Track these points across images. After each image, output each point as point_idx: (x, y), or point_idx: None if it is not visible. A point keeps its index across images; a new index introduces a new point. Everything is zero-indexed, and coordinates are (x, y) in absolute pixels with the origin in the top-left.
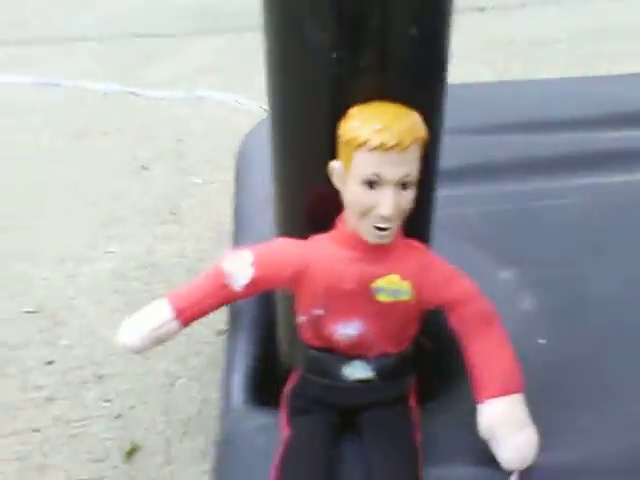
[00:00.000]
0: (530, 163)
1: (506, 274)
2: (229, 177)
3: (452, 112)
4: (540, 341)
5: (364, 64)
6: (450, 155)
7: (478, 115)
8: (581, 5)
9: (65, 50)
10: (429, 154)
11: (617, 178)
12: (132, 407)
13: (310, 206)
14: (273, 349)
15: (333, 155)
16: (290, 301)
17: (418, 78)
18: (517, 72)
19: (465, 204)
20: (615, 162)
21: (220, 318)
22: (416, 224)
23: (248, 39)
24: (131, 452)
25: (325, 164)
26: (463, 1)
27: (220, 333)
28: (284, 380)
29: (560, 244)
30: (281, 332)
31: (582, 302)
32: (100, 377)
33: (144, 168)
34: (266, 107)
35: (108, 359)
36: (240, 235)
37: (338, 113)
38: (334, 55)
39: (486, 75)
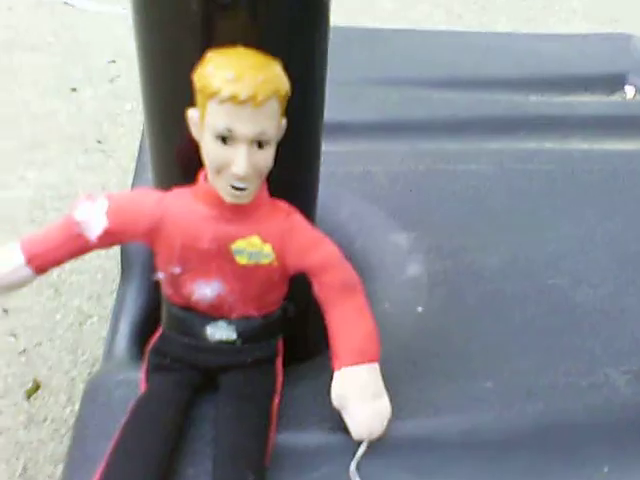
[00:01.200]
0: (446, 122)
1: (399, 237)
2: None
3: (367, 60)
4: (419, 309)
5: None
6: (362, 108)
7: (397, 66)
8: None
9: None
10: (309, 107)
11: (531, 145)
12: (38, 344)
13: (180, 155)
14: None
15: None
16: None
17: (293, 21)
18: (470, 17)
19: (371, 161)
20: (532, 128)
21: None
22: (299, 182)
23: None
24: (33, 390)
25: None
26: None
27: None
28: None
29: (459, 211)
30: None
31: (467, 272)
32: (6, 311)
33: (73, 90)
34: None
35: (17, 292)
36: (139, 175)
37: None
38: None
39: (439, 18)
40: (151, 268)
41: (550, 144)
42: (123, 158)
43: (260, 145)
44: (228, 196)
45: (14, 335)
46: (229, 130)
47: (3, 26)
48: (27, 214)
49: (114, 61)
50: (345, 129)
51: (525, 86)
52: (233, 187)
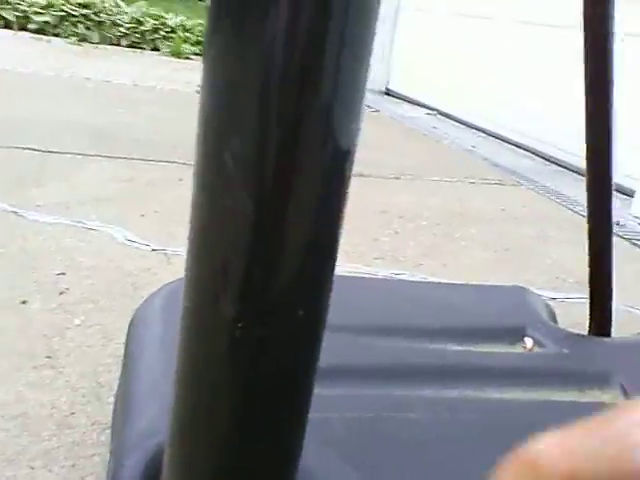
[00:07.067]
0: (397, 370)
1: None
2: (110, 320)
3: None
4: None
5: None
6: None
7: (353, 314)
8: (443, 187)
9: None
10: None
11: (453, 394)
12: None
13: None
14: None
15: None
16: None
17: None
18: (385, 241)
19: (329, 407)
20: (453, 376)
21: None
22: None
23: (143, 169)
24: None
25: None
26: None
27: None
28: None
29: (406, 459)
30: None
31: None
32: None
33: (23, 302)
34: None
35: None
36: (125, 428)
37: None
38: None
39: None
40: None
41: (470, 392)
42: (72, 376)
43: None
44: None
45: None
46: None
47: None
48: None
49: (63, 273)
50: None
51: (444, 335)
52: None
